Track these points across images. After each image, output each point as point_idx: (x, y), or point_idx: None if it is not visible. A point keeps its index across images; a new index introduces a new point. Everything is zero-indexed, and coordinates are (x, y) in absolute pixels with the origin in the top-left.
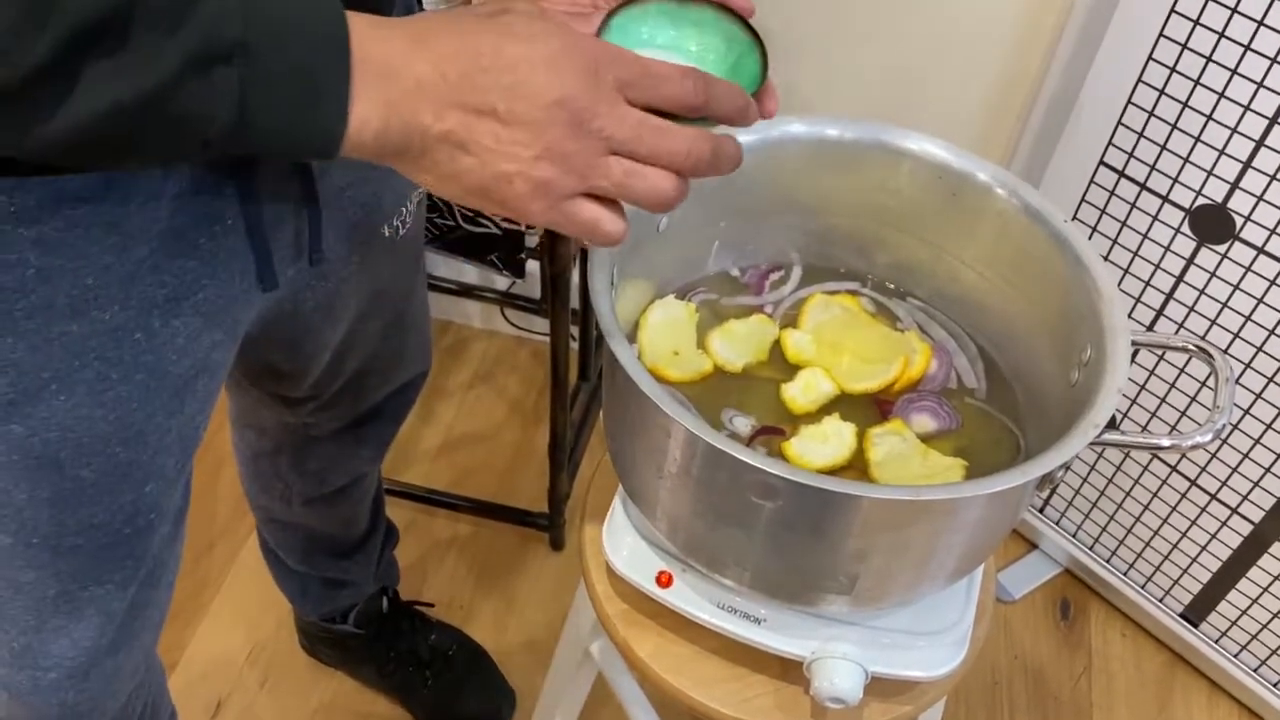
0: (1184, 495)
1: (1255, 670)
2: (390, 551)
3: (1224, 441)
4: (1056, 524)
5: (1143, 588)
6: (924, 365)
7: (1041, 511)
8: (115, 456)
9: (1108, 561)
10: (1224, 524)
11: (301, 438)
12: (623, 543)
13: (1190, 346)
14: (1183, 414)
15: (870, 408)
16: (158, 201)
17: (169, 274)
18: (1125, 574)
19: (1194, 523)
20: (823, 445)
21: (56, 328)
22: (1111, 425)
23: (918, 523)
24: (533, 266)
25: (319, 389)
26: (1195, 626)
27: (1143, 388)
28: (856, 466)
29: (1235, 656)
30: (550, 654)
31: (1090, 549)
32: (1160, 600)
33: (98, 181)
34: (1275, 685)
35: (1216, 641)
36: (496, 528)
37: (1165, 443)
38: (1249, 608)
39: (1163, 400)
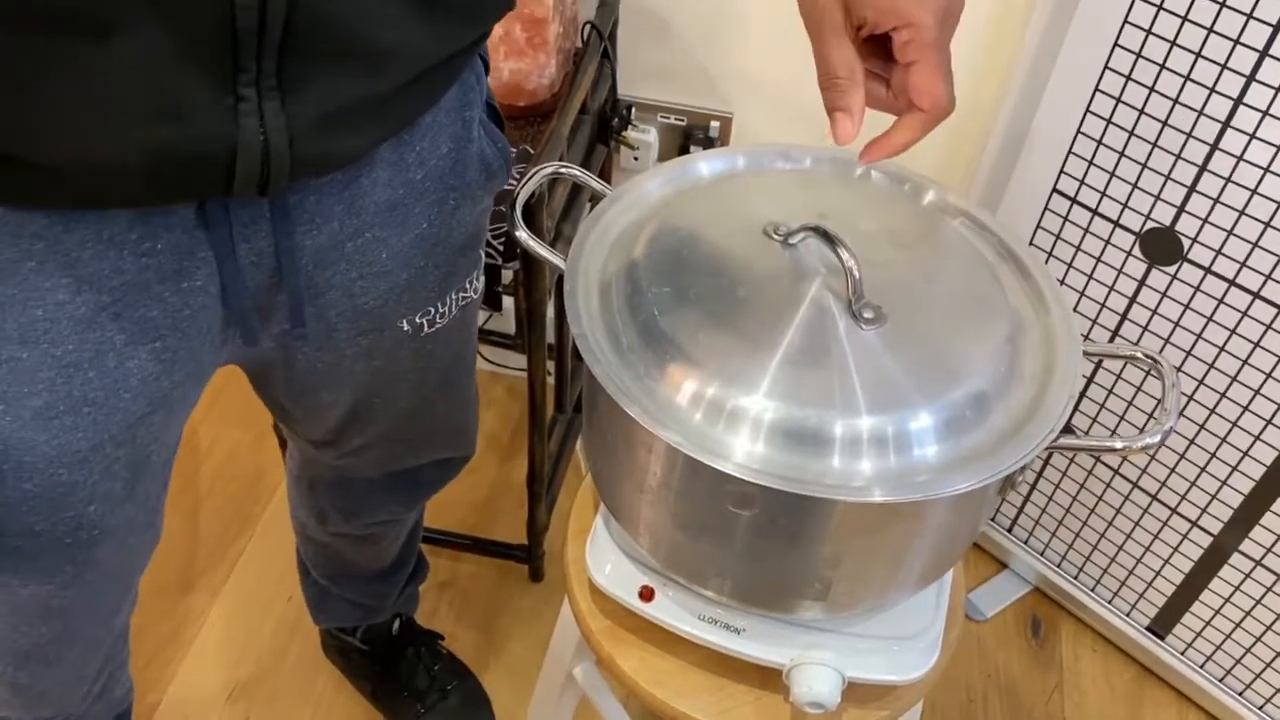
0: (1146, 510)
1: (1220, 680)
2: (416, 585)
3: (1182, 456)
4: (1025, 543)
5: (1110, 603)
6: None
7: (1010, 531)
8: (57, 476)
9: (1075, 578)
10: (1185, 537)
11: (337, 475)
12: (605, 560)
13: (1139, 355)
14: (1141, 430)
15: None
16: (119, 251)
17: (129, 321)
18: (1093, 590)
19: (1156, 537)
20: None
21: (5, 351)
22: (1068, 432)
23: (887, 526)
24: (508, 303)
25: (336, 443)
26: (1162, 639)
27: (1103, 406)
28: None
29: (1201, 667)
30: (532, 685)
31: (1058, 566)
32: (1127, 614)
33: (58, 222)
34: (1240, 694)
35: (1183, 653)
36: (476, 561)
37: (1117, 445)
38: (1212, 618)
39: (1121, 418)
